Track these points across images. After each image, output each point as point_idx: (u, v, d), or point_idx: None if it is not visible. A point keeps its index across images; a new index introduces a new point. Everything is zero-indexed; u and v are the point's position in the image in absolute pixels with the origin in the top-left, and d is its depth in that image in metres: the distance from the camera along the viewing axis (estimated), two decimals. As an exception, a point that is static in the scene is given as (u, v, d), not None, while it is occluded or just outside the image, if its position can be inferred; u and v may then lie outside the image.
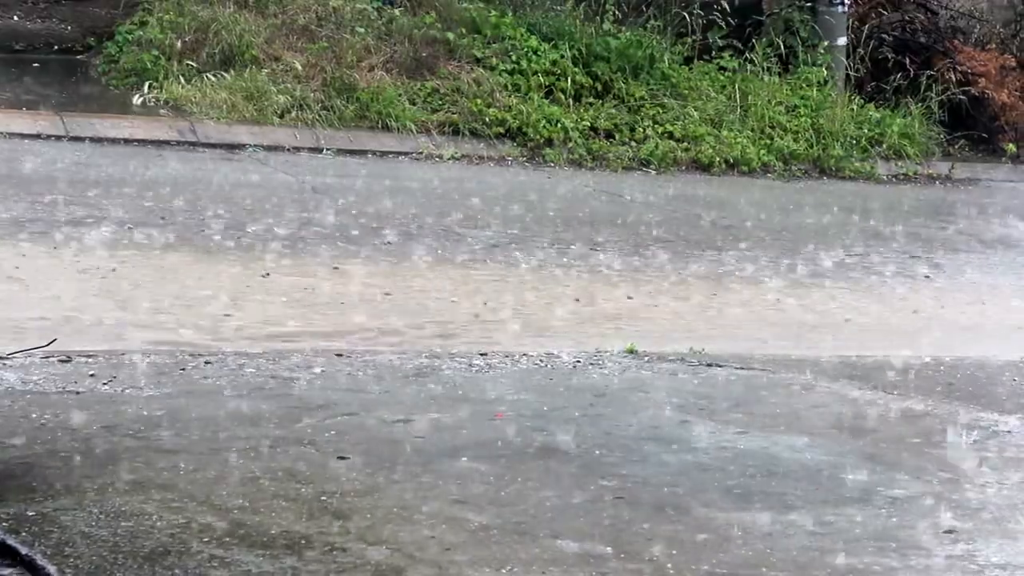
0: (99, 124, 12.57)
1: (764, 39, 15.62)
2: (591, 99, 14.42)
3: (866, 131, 15.29)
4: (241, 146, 12.69)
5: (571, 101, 14.28)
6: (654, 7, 15.44)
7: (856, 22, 16.23)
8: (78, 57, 14.40)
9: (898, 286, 10.45)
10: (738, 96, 14.94)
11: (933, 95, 15.89)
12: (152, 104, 13.18)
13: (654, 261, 10.34)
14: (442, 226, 10.70)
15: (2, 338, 6.90)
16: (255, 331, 7.70)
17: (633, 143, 14.15)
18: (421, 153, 13.30)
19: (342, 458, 5.41)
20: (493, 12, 14.67)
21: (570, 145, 13.82)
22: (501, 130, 13.74)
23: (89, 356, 6.60)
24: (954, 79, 16.06)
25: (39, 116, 12.50)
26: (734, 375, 7.15)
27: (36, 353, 6.54)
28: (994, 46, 17.01)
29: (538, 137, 13.77)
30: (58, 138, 12.19)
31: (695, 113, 14.57)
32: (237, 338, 7.47)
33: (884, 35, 16.37)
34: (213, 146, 12.63)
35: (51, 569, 4.20)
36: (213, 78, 13.35)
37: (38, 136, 12.16)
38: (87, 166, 11.45)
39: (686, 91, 14.84)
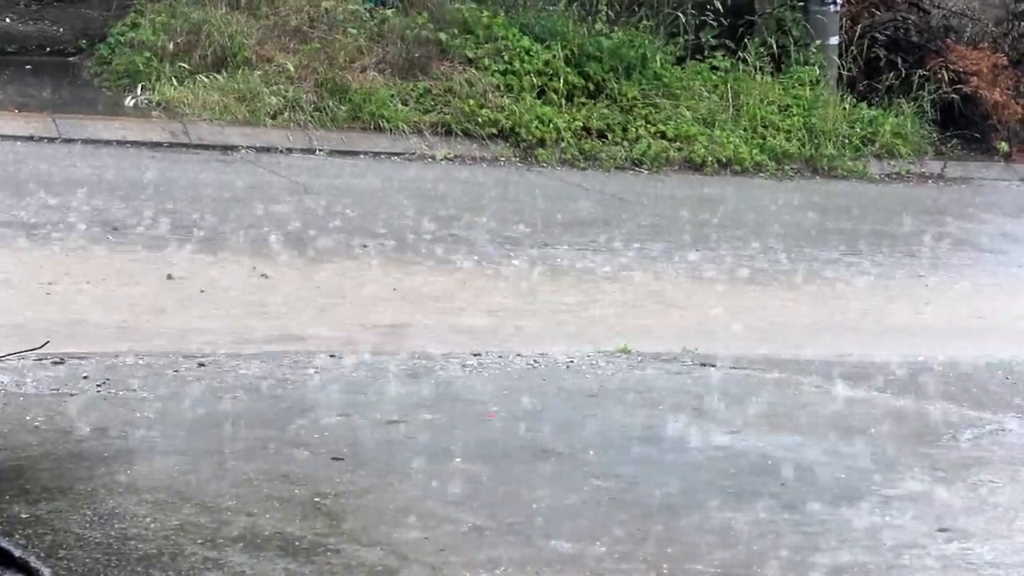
0: (92, 126, 12.55)
1: (756, 39, 15.61)
2: (583, 99, 14.40)
3: (858, 130, 15.29)
4: (234, 147, 12.68)
5: (563, 101, 14.27)
6: (646, 7, 15.43)
7: (848, 21, 16.23)
8: (70, 59, 14.38)
9: (891, 285, 10.45)
10: (730, 95, 14.94)
11: (925, 94, 15.89)
12: (145, 106, 13.16)
13: (645, 261, 10.33)
14: (434, 227, 10.70)
15: (-5, 340, 6.90)
16: (249, 333, 7.69)
17: (626, 143, 14.14)
18: (414, 154, 13.29)
19: (336, 459, 5.41)
20: (485, 12, 14.66)
21: (563, 145, 13.82)
22: (494, 130, 13.73)
23: (82, 358, 6.59)
24: (946, 78, 16.05)
25: (31, 118, 12.49)
26: (727, 375, 7.15)
27: (29, 355, 6.53)
28: (986, 45, 16.99)
29: (531, 137, 13.76)
30: (51, 140, 12.17)
31: (688, 113, 14.57)
32: (231, 339, 7.46)
33: (876, 34, 16.38)
34: (206, 147, 12.62)
35: (45, 571, 4.20)
36: (205, 79, 13.33)
37: (31, 138, 12.15)
38: (79, 168, 11.43)
39: (678, 91, 14.84)
